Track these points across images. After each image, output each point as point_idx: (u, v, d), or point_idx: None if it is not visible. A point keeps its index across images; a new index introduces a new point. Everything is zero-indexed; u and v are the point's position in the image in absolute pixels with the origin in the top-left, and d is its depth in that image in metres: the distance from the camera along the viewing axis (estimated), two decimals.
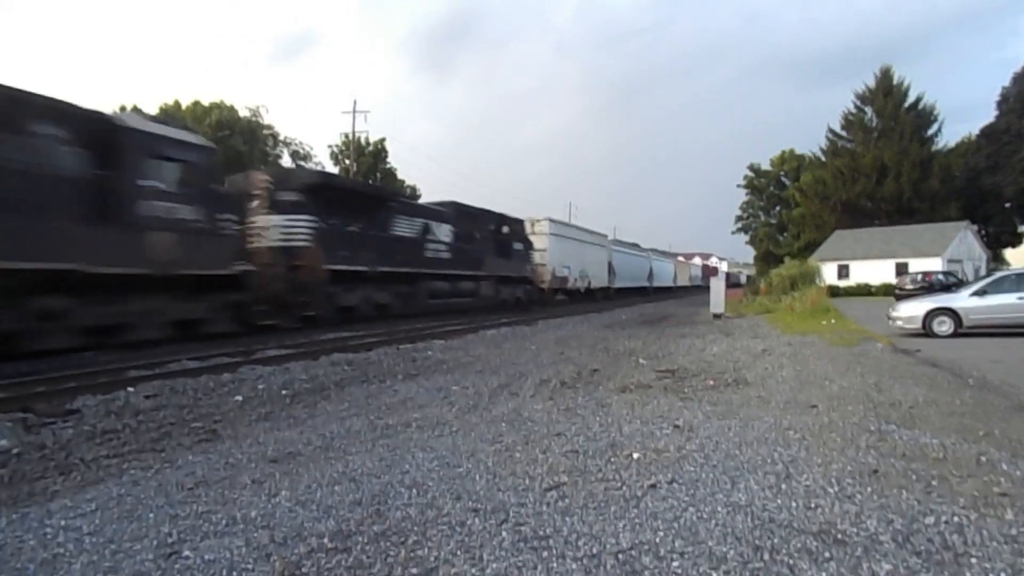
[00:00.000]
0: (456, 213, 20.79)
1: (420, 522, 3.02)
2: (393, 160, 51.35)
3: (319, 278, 13.67)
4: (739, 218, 67.71)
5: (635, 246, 47.21)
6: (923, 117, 46.29)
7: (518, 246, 24.60)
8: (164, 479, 3.89)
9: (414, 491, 3.47)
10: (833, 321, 15.73)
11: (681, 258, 72.55)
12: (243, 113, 45.65)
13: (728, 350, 9.99)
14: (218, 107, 43.96)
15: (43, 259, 8.17)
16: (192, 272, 10.43)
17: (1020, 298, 11.48)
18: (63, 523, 3.16)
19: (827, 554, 2.57)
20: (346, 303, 15.22)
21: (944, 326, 11.94)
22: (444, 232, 19.61)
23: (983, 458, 3.82)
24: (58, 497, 3.63)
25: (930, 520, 2.88)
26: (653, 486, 3.44)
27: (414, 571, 2.52)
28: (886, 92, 46.57)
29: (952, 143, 48.25)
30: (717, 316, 18.48)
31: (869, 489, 3.31)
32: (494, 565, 2.55)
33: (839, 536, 2.74)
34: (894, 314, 12.99)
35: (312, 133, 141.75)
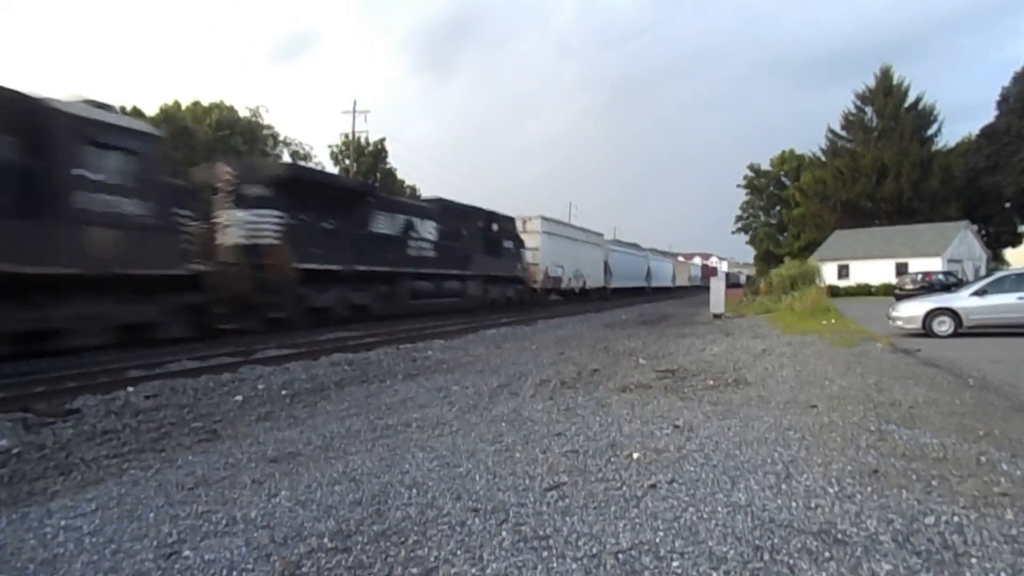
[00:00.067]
0: (441, 210, 20.06)
1: (420, 522, 3.02)
2: (393, 160, 51.42)
3: (287, 278, 12.80)
4: (739, 218, 67.77)
5: (632, 245, 46.92)
6: (923, 117, 46.30)
7: (508, 244, 23.79)
8: (164, 479, 3.89)
9: (414, 491, 3.47)
10: (833, 321, 15.73)
11: (681, 258, 72.50)
12: (243, 113, 45.72)
13: (728, 350, 9.99)
14: (218, 107, 43.98)
15: None
16: (138, 272, 9.47)
17: (1020, 298, 11.48)
18: (63, 523, 3.16)
19: (827, 554, 2.57)
20: (319, 304, 14.38)
21: (944, 326, 11.94)
22: (428, 229, 18.77)
23: (983, 458, 3.82)
24: (58, 497, 3.63)
25: (930, 520, 2.88)
26: (653, 486, 3.44)
27: (414, 571, 2.52)
28: (886, 92, 46.58)
29: (952, 143, 48.34)
30: (717, 316, 18.47)
31: (869, 489, 3.31)
32: (494, 565, 2.55)
33: (839, 536, 2.74)
34: (894, 314, 12.99)
35: (312, 133, 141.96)
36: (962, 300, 12.18)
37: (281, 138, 48.53)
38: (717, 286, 19.85)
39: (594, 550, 2.66)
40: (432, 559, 2.62)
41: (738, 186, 66.78)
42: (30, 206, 8.14)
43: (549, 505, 3.21)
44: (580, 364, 8.70)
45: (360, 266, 15.41)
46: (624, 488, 3.43)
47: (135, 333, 9.79)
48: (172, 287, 10.17)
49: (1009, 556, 2.53)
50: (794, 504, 3.12)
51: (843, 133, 49.42)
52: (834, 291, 31.60)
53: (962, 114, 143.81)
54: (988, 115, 47.14)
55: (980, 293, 12.08)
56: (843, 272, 38.84)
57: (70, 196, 8.59)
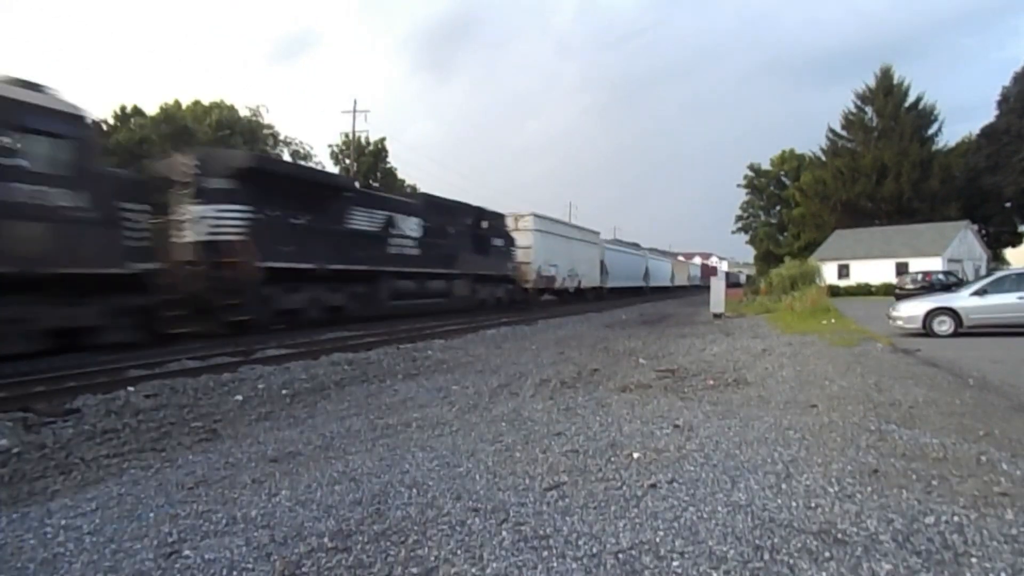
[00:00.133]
0: (426, 206, 19.16)
1: (420, 522, 3.02)
2: (393, 160, 51.43)
3: (251, 277, 11.81)
4: (739, 218, 67.80)
5: (630, 244, 46.65)
6: (923, 117, 46.28)
7: (498, 242, 22.86)
8: (164, 478, 3.89)
9: (414, 491, 3.47)
10: (833, 321, 15.73)
11: (681, 258, 72.47)
12: (243, 113, 45.80)
13: (728, 350, 9.99)
14: (218, 107, 44.02)
15: None
16: (71, 271, 8.45)
17: (1020, 298, 11.48)
18: (63, 523, 3.16)
19: (827, 554, 2.57)
20: (288, 305, 13.43)
21: (944, 326, 11.93)
22: (411, 226, 17.78)
23: (983, 458, 3.82)
24: (58, 497, 3.63)
25: (930, 520, 2.88)
26: (653, 486, 3.44)
27: (414, 571, 2.52)
28: (886, 92, 46.57)
29: (952, 143, 48.31)
30: (717, 316, 18.47)
31: (869, 489, 3.30)
32: (494, 565, 2.55)
33: (839, 536, 2.74)
34: (894, 314, 12.98)
35: (312, 133, 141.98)
36: (962, 300, 12.18)
37: (281, 138, 48.62)
38: (717, 286, 19.85)
39: (594, 550, 2.66)
40: (432, 559, 2.62)
41: (738, 186, 66.93)
42: None
43: (549, 505, 3.21)
44: (580, 364, 8.70)
45: (335, 265, 14.46)
46: (624, 488, 3.43)
47: (74, 339, 8.84)
48: (114, 288, 9.10)
49: (1009, 556, 2.53)
50: (794, 504, 3.12)
51: (843, 133, 49.44)
52: (834, 291, 31.59)
53: (962, 114, 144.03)
54: (988, 115, 47.23)
55: (980, 293, 12.08)
56: (843, 272, 38.83)
57: None
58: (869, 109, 47.78)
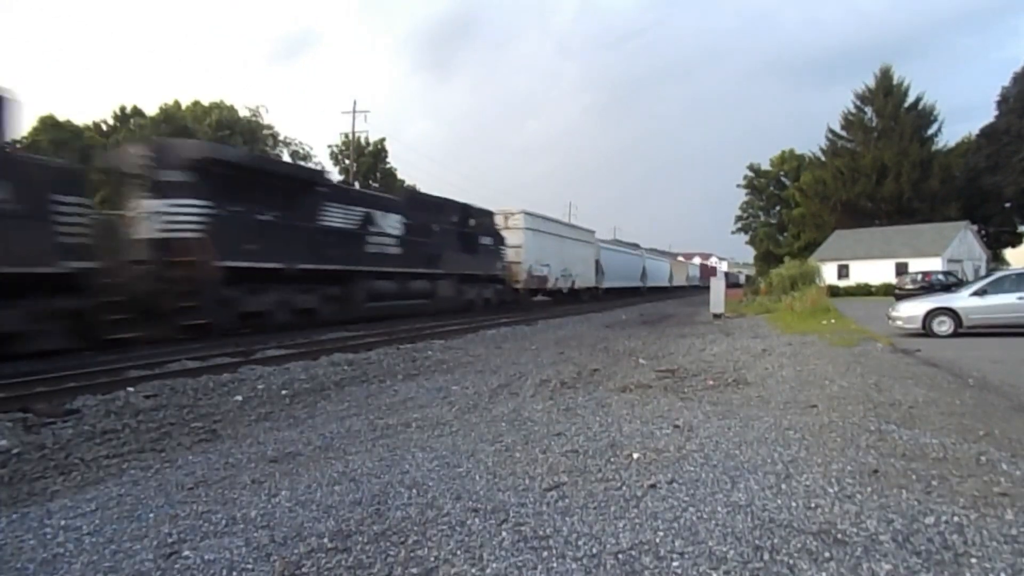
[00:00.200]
0: (409, 202, 18.36)
1: (420, 522, 3.02)
2: (393, 160, 51.44)
3: (209, 278, 10.93)
4: (739, 218, 67.79)
5: (627, 244, 46.28)
6: (923, 117, 46.29)
7: (486, 241, 21.91)
8: (164, 479, 3.89)
9: (414, 491, 3.47)
10: (833, 321, 15.73)
11: (681, 258, 72.40)
12: (243, 113, 45.84)
13: (728, 350, 9.99)
14: (218, 107, 44.06)
15: None
16: None
17: (1020, 298, 11.48)
18: (63, 523, 3.16)
19: (827, 554, 2.57)
20: (253, 308, 12.48)
21: (944, 326, 11.94)
22: (392, 223, 16.89)
23: (983, 458, 3.82)
24: (58, 497, 3.63)
25: (930, 520, 2.88)
26: (653, 486, 3.44)
27: (414, 571, 2.52)
28: (886, 92, 46.58)
29: (952, 143, 48.33)
30: (717, 316, 18.47)
31: (869, 489, 3.30)
32: (494, 565, 2.55)
33: (839, 536, 2.74)
34: (894, 314, 12.98)
35: (312, 133, 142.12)
36: (962, 300, 12.18)
37: (281, 138, 48.64)
38: (717, 286, 19.85)
39: (594, 550, 2.66)
40: (432, 559, 2.62)
41: (738, 186, 66.93)
42: None
43: (549, 505, 3.21)
44: (580, 364, 8.70)
45: (305, 264, 13.51)
46: (624, 488, 3.43)
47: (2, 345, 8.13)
48: (45, 289, 8.37)
49: (1009, 556, 2.53)
50: (794, 504, 3.12)
51: (843, 133, 49.44)
52: (834, 291, 31.60)
53: (962, 114, 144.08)
54: (988, 115, 47.18)
55: (980, 293, 12.08)
56: (843, 272, 38.83)
57: None
58: (869, 109, 47.79)
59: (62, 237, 8.54)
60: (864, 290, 36.57)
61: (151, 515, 3.24)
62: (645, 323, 17.96)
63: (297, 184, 14.17)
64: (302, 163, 46.62)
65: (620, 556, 2.60)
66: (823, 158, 50.59)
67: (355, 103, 40.76)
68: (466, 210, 21.28)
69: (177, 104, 43.07)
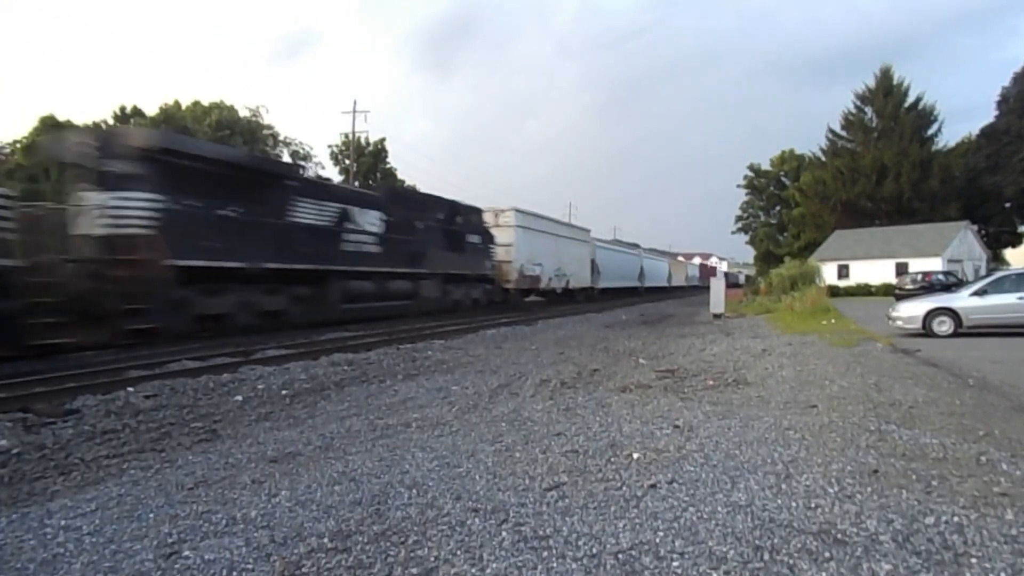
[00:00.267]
0: (390, 198, 17.49)
1: (420, 522, 3.02)
2: (393, 160, 51.44)
3: (158, 277, 9.94)
4: (739, 218, 67.77)
5: (623, 243, 45.89)
6: (923, 117, 46.28)
7: (474, 239, 21.04)
8: (164, 479, 3.89)
9: (414, 491, 3.47)
10: (833, 321, 15.73)
11: (681, 258, 72.38)
12: (243, 113, 45.80)
13: (728, 350, 9.99)
14: (218, 107, 44.06)
15: None
16: None
17: (1020, 298, 11.48)
18: (63, 523, 3.16)
19: (827, 554, 2.57)
20: (211, 310, 11.54)
21: (944, 326, 11.94)
22: (371, 220, 15.96)
23: (983, 458, 3.82)
24: (58, 497, 3.63)
25: (930, 520, 2.88)
26: (653, 486, 3.44)
27: (414, 571, 2.52)
28: (886, 92, 46.57)
29: (952, 143, 48.29)
30: (717, 316, 18.47)
31: (869, 489, 3.31)
32: (494, 565, 2.55)
33: (839, 536, 2.74)
34: (894, 314, 12.98)
35: (312, 133, 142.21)
36: (962, 300, 12.18)
37: (281, 138, 48.61)
38: (717, 286, 19.85)
39: (594, 550, 2.66)
40: (432, 559, 2.62)
41: (738, 186, 66.90)
42: None
43: (549, 505, 3.21)
44: (580, 364, 8.70)
45: (272, 263, 12.53)
46: (624, 488, 3.43)
47: None
48: None
49: (1009, 556, 2.53)
50: (794, 504, 3.12)
51: (843, 133, 49.42)
52: (834, 291, 31.59)
53: (962, 114, 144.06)
54: (988, 115, 47.20)
55: (980, 293, 12.08)
56: (843, 272, 38.83)
57: None
58: (869, 109, 47.78)
59: None
60: (864, 290, 36.57)
61: (151, 515, 3.24)
62: (645, 323, 17.96)
63: (263, 177, 13.08)
64: (303, 163, 46.58)
65: (620, 556, 2.60)
66: (823, 158, 50.57)
67: (355, 103, 40.84)
68: (453, 207, 20.50)
69: (177, 104, 43.10)
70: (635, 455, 4.05)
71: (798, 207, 53.06)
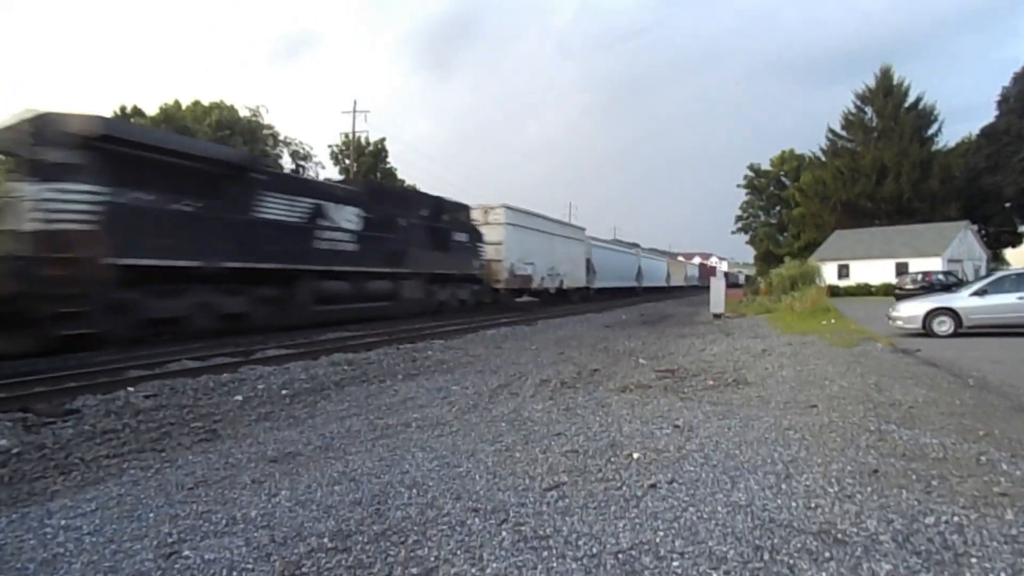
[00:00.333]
0: (369, 194, 16.58)
1: (420, 522, 3.02)
2: (393, 160, 51.44)
3: (98, 277, 9.08)
4: (739, 218, 67.82)
5: (620, 242, 45.63)
6: (923, 117, 46.30)
7: (461, 237, 20.21)
8: (164, 479, 3.89)
9: (414, 491, 3.47)
10: (833, 321, 15.73)
11: (681, 258, 72.36)
12: (243, 113, 45.82)
13: (728, 350, 9.99)
14: (218, 107, 44.06)
15: None
16: None
17: (1020, 298, 11.48)
18: (63, 523, 3.16)
19: (827, 554, 2.57)
20: (162, 314, 10.59)
21: (944, 326, 11.94)
22: (347, 217, 15.12)
23: (983, 458, 3.82)
24: (58, 497, 3.63)
25: (930, 520, 2.88)
26: (653, 486, 3.44)
27: (414, 571, 2.52)
28: (886, 92, 46.60)
29: (952, 143, 48.35)
30: (717, 316, 18.48)
31: (869, 489, 3.31)
32: (494, 565, 2.55)
33: (839, 536, 2.74)
34: (894, 314, 12.99)
35: (312, 133, 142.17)
36: (962, 300, 12.18)
37: (281, 138, 48.64)
38: (717, 286, 19.85)
39: (594, 550, 2.66)
40: (432, 559, 2.62)
41: (738, 186, 66.95)
42: None
43: (549, 505, 3.21)
44: (580, 364, 8.70)
45: (233, 262, 11.64)
46: (624, 488, 3.43)
47: None
48: None
49: (1009, 556, 2.53)
50: (794, 504, 3.12)
51: (843, 133, 49.47)
52: (834, 291, 31.60)
53: (962, 114, 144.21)
54: (988, 115, 47.26)
55: (980, 293, 12.08)
56: (843, 272, 38.85)
57: None
58: (869, 109, 47.82)
59: None
60: (864, 290, 36.58)
61: (151, 515, 3.24)
62: (645, 323, 17.96)
63: (225, 169, 12.07)
64: (303, 163, 46.52)
65: (620, 556, 2.60)
66: (823, 158, 50.61)
67: (355, 103, 40.87)
68: (438, 203, 19.69)
69: (177, 104, 43.10)
70: (635, 455, 4.05)
71: (798, 207, 53.08)
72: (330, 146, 49.34)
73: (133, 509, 3.34)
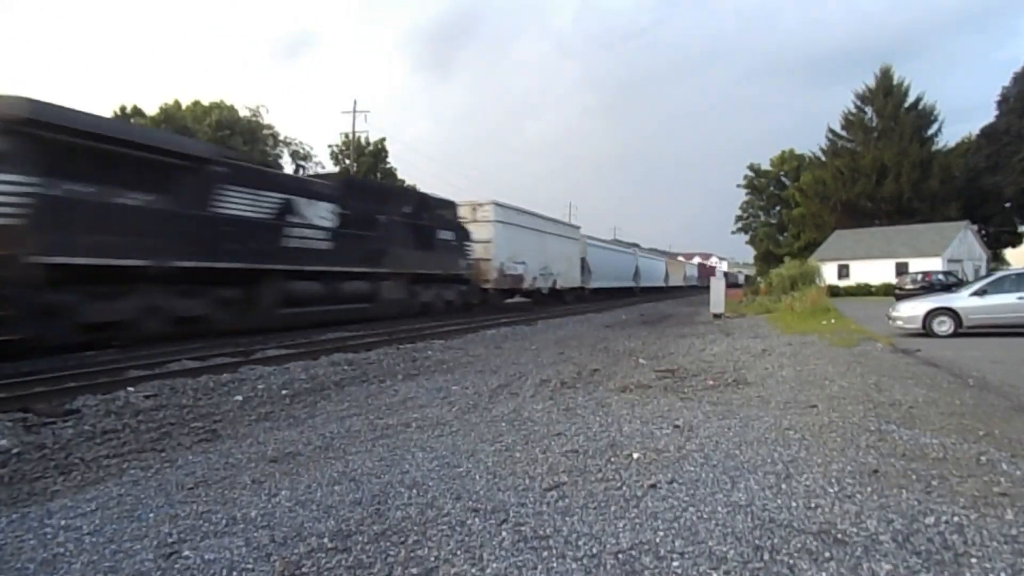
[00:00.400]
0: (345, 189, 15.56)
1: (420, 522, 3.02)
2: (393, 160, 51.45)
3: (22, 277, 8.22)
4: (739, 218, 67.81)
5: (619, 242, 45.48)
6: (923, 117, 46.30)
7: (447, 235, 19.22)
8: (164, 479, 3.89)
9: (414, 491, 3.47)
10: (833, 321, 15.73)
11: (680, 258, 72.29)
12: (243, 113, 45.86)
13: (728, 350, 9.99)
14: (218, 107, 44.08)
15: None
16: None
17: (1020, 298, 11.48)
18: (63, 523, 3.16)
19: (827, 554, 2.57)
20: (102, 318, 9.50)
21: (944, 326, 11.94)
22: (320, 213, 14.14)
23: (983, 458, 3.82)
24: (58, 497, 3.63)
25: (930, 520, 2.88)
26: (653, 486, 3.44)
27: (414, 571, 2.52)
28: (886, 92, 46.59)
29: (952, 143, 48.33)
30: (717, 316, 18.48)
31: (869, 489, 3.31)
32: (494, 565, 2.55)
33: (839, 536, 2.74)
34: (894, 314, 12.99)
35: (312, 133, 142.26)
36: (962, 300, 12.18)
37: (281, 138, 48.66)
38: (717, 286, 19.85)
39: (594, 550, 2.66)
40: (432, 559, 2.62)
41: (738, 186, 66.93)
42: None
43: (549, 505, 3.21)
44: (580, 364, 8.70)
45: (186, 261, 10.64)
46: (624, 488, 3.43)
47: None
48: None
49: (1009, 556, 2.53)
50: (794, 504, 3.12)
51: (843, 133, 49.47)
52: (834, 291, 31.61)
53: (962, 114, 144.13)
54: (988, 115, 47.24)
55: (980, 293, 12.08)
56: (843, 272, 38.84)
57: None
58: (869, 109, 47.82)
59: None
60: (864, 290, 36.58)
61: (151, 515, 3.24)
62: (645, 323, 17.96)
63: (179, 161, 10.95)
64: (303, 163, 46.48)
65: (620, 556, 2.60)
66: (823, 158, 50.60)
67: (355, 103, 40.85)
68: (421, 200, 18.83)
69: (177, 104, 43.11)
70: (635, 455, 4.05)
71: (798, 207, 53.08)
72: (330, 146, 49.38)
73: (133, 509, 3.34)
